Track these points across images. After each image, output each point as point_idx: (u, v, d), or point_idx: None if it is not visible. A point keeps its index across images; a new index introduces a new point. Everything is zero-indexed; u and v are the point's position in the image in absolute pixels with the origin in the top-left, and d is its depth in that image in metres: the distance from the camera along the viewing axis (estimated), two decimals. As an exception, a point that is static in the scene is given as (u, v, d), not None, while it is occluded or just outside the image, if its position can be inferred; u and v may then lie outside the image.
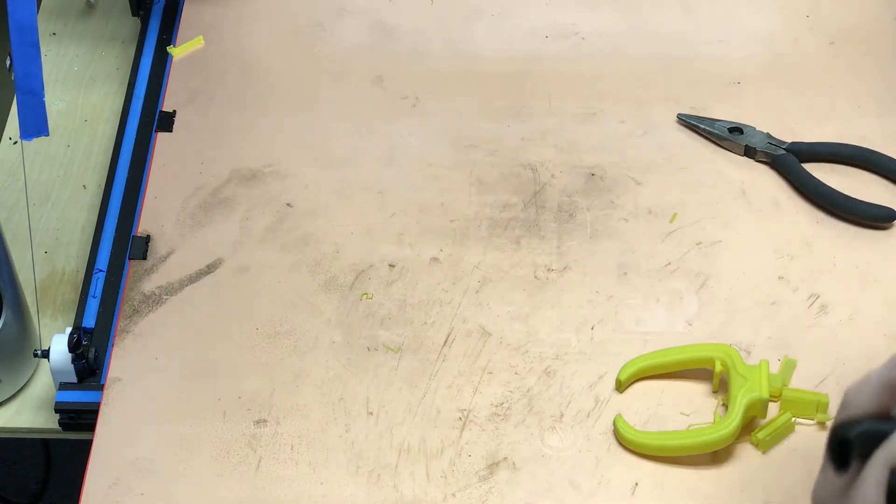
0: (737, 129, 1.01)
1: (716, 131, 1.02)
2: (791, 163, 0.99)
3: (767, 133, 1.01)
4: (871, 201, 0.96)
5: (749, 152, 1.00)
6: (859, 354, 0.88)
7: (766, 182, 0.99)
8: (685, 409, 0.85)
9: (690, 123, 1.03)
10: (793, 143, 1.00)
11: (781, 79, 1.07)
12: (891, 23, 1.12)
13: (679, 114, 1.03)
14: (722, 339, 0.88)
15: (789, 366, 0.86)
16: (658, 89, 1.06)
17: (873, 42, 1.11)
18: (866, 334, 0.89)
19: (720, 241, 0.95)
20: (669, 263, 0.93)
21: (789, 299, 0.91)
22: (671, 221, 0.96)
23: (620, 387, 0.86)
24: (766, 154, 1.00)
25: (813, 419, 0.84)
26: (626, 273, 0.93)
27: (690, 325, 0.90)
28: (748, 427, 0.83)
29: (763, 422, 0.83)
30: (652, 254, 0.94)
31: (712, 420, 0.83)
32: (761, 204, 0.98)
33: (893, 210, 0.95)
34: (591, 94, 1.06)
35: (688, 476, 0.82)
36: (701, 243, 0.95)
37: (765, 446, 0.83)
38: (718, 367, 0.84)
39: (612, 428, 0.84)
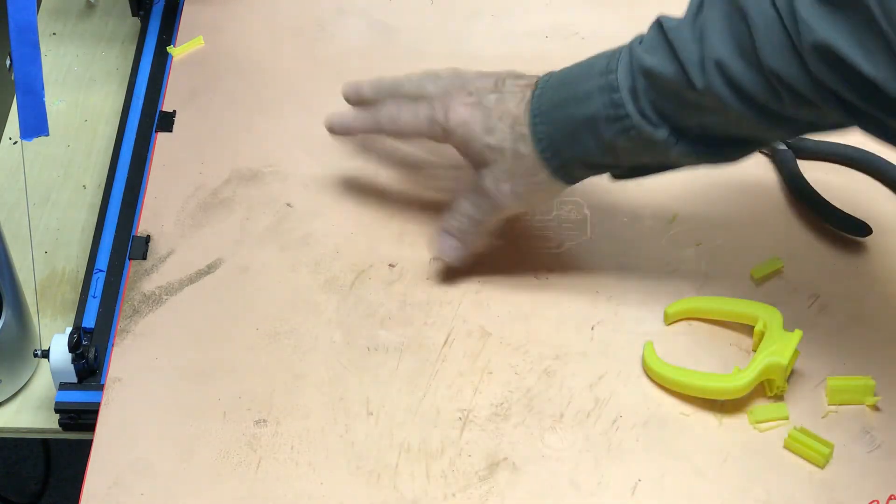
0: None
1: None
2: (787, 159, 0.99)
3: None
4: (869, 206, 0.96)
5: None
6: (859, 354, 0.88)
7: (767, 181, 0.99)
8: (685, 410, 0.85)
9: None
10: (798, 138, 1.00)
11: (781, 79, 1.07)
12: (891, 23, 1.12)
13: None
14: (722, 338, 0.88)
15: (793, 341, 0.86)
16: (658, 89, 1.06)
17: (873, 42, 1.11)
18: (866, 334, 0.89)
19: (720, 241, 0.95)
20: (669, 263, 0.93)
21: (789, 299, 0.91)
22: (671, 221, 0.96)
23: (668, 319, 0.89)
24: (769, 146, 1.00)
25: (864, 403, 0.85)
26: (626, 273, 0.93)
27: (690, 325, 0.90)
28: (759, 392, 0.85)
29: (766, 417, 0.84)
30: (652, 254, 0.94)
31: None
32: (761, 204, 0.98)
33: (868, 226, 0.94)
34: (591, 94, 1.06)
35: (688, 476, 0.82)
36: (701, 243, 0.95)
37: (754, 419, 0.84)
38: (760, 327, 0.86)
39: (641, 355, 0.87)
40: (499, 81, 0.87)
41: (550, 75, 0.85)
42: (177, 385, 0.86)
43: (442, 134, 0.87)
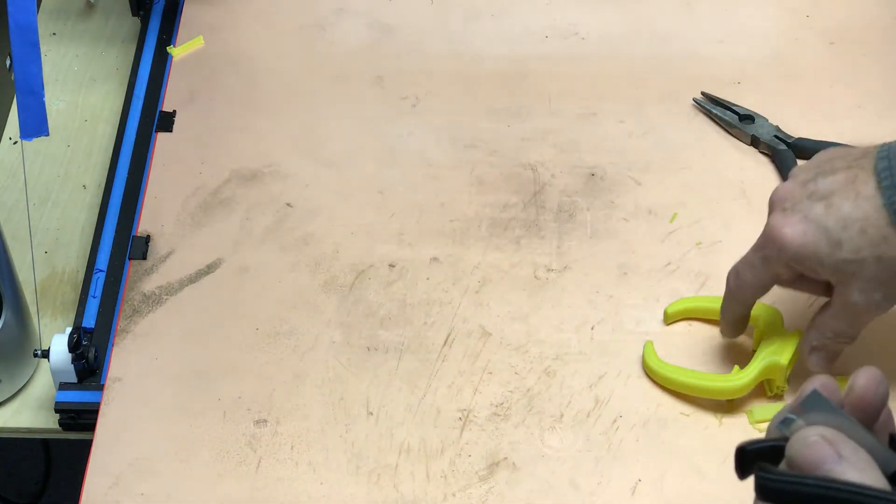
0: (748, 118, 1.02)
1: (726, 118, 1.03)
2: (787, 159, 0.99)
3: (777, 126, 1.02)
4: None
5: (755, 143, 1.01)
6: (859, 354, 0.88)
7: (767, 181, 0.99)
8: (685, 410, 0.85)
9: (705, 108, 1.03)
10: (799, 138, 1.00)
11: (781, 79, 1.07)
12: (891, 23, 1.12)
13: (695, 98, 1.04)
14: (722, 338, 0.88)
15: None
16: (658, 89, 1.06)
17: (873, 42, 1.11)
18: (866, 334, 0.89)
19: (720, 241, 0.95)
20: (669, 263, 0.93)
21: (789, 299, 0.91)
22: (671, 221, 0.96)
23: (667, 319, 0.89)
24: (769, 147, 1.00)
25: None
26: (626, 273, 0.93)
27: (690, 325, 0.90)
28: (759, 391, 0.85)
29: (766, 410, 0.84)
30: (652, 254, 0.94)
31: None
32: (761, 204, 0.97)
33: None
34: (591, 94, 1.06)
35: (688, 476, 0.82)
36: (701, 243, 0.95)
37: (754, 419, 0.84)
38: (760, 326, 0.87)
39: (641, 355, 0.87)
40: (808, 185, 0.77)
41: (887, 150, 0.74)
42: (177, 385, 0.86)
43: (786, 271, 0.79)
